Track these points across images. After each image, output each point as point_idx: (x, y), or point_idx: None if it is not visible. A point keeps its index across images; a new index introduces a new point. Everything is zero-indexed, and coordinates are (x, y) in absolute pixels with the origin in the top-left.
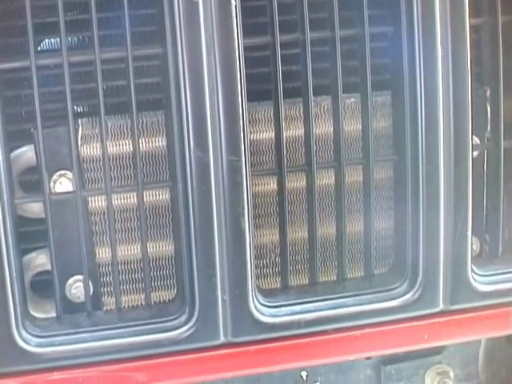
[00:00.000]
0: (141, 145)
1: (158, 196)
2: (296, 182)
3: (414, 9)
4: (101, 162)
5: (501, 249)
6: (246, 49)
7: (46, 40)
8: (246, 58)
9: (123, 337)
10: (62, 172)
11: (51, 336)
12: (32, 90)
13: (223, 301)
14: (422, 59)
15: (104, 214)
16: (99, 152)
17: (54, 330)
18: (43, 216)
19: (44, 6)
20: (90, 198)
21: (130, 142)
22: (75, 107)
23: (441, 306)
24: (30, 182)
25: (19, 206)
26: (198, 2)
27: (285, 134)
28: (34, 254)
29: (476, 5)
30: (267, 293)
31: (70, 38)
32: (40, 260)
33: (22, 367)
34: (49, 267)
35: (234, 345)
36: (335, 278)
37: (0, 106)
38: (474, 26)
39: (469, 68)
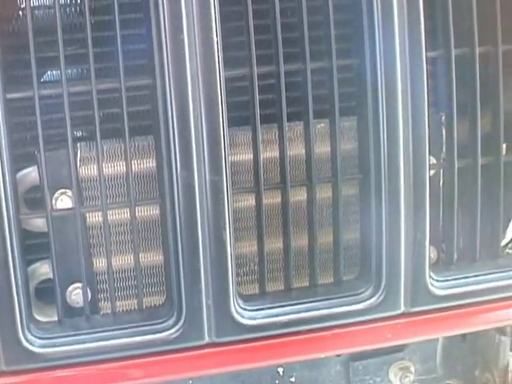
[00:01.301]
0: (133, 166)
1: (149, 212)
2: (272, 199)
3: (376, 43)
4: (97, 182)
5: (456, 256)
6: (226, 80)
7: (48, 72)
8: (227, 88)
9: (118, 338)
10: (63, 190)
11: (53, 338)
12: (35, 117)
13: (207, 305)
14: (383, 88)
15: (100, 228)
16: (96, 172)
17: (55, 332)
18: (46, 230)
19: (46, 42)
20: (87, 214)
21: (124, 164)
22: (74, 132)
23: (402, 309)
24: (34, 199)
25: (24, 221)
26: (183, 39)
27: (262, 155)
28: (37, 264)
29: (432, 39)
30: (247, 298)
31: (69, 71)
32: (43, 269)
33: (27, 366)
34: (51, 276)
35: (218, 344)
36: (308, 284)
37: (7, 131)
38: (430, 58)
39: (426, 96)
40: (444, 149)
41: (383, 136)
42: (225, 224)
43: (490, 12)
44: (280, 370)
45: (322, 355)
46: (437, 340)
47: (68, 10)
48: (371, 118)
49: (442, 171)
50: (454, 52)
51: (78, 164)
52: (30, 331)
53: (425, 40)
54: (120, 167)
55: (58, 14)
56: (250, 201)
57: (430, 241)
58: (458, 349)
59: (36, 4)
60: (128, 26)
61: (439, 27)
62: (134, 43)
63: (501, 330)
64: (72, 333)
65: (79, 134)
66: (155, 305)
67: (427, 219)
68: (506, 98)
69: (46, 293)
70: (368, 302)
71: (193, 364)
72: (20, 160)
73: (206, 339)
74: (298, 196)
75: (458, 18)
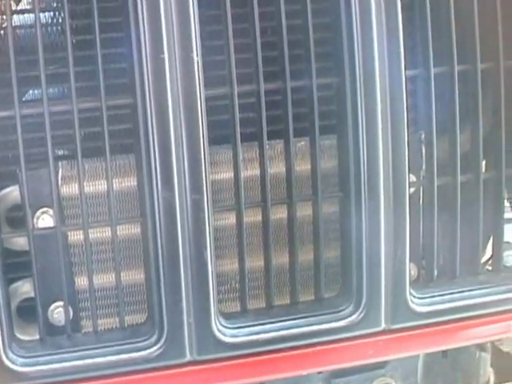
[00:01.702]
0: (114, 184)
1: (130, 230)
2: (253, 217)
3: (355, 62)
4: (79, 200)
5: (436, 273)
6: (207, 99)
7: (30, 91)
8: (207, 107)
9: (100, 356)
10: (44, 209)
11: (35, 356)
12: (17, 136)
13: (189, 323)
14: (363, 106)
15: (82, 246)
16: (77, 191)
17: (37, 350)
18: (27, 249)
19: (28, 61)
20: (69, 233)
21: (105, 182)
22: (56, 151)
23: (383, 326)
24: (16, 218)
25: (6, 240)
26: (163, 58)
27: (242, 174)
28: (19, 283)
29: (412, 58)
30: (228, 316)
31: (51, 90)
32: (25, 288)
33: None
34: (33, 294)
35: (199, 362)
36: (289, 301)
37: None
38: (410, 77)
39: (405, 114)
40: (424, 166)
41: (363, 154)
42: (206, 242)
43: (468, 31)
44: None
45: (304, 372)
46: (418, 356)
47: (49, 29)
48: (351, 136)
49: (421, 189)
50: (433, 71)
51: (60, 183)
52: (11, 350)
53: (404, 59)
54: (101, 186)
55: (39, 34)
56: (231, 219)
57: (410, 258)
58: (439, 365)
59: (17, 23)
60: (109, 45)
61: (418, 46)
62: (115, 62)
63: (481, 347)
64: (54, 351)
65: (61, 152)
66: (137, 323)
67: (407, 236)
68: (484, 115)
69: (27, 311)
70: (349, 319)
71: (174, 382)
72: (1, 179)
73: (188, 357)
74: (279, 214)
75: (437, 36)
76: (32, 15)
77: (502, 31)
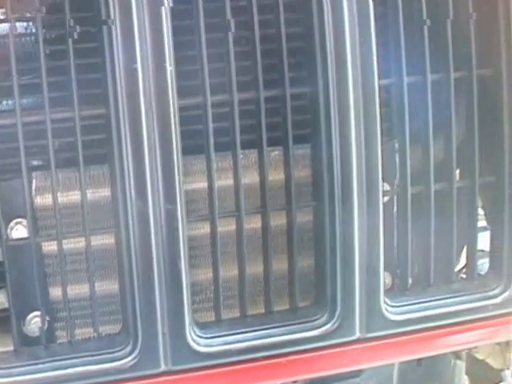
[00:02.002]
0: (88, 195)
1: (104, 240)
2: (227, 226)
3: (328, 71)
4: (53, 211)
5: (410, 282)
6: (180, 109)
7: (3, 101)
8: (181, 117)
9: (75, 366)
10: (18, 220)
11: (10, 368)
12: None
13: (163, 333)
14: (336, 116)
15: (56, 257)
16: (51, 202)
17: (12, 361)
18: (1, 259)
19: (0, 72)
20: (43, 243)
21: (79, 193)
22: (29, 162)
23: (357, 334)
24: None
25: None
26: (136, 68)
27: (216, 183)
28: None
29: (385, 67)
30: (203, 325)
31: (24, 100)
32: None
33: None
34: (7, 305)
35: (174, 372)
36: (263, 310)
37: None
38: (383, 86)
39: (378, 123)
40: (397, 175)
41: (336, 163)
42: (180, 252)
43: (442, 40)
44: None
45: (279, 382)
46: (393, 365)
47: (23, 39)
48: (324, 145)
49: (395, 197)
50: (406, 80)
51: (34, 193)
52: None
53: (377, 68)
54: (75, 196)
55: (11, 44)
56: (206, 228)
57: (384, 267)
58: (414, 373)
59: None
60: (82, 56)
61: (392, 56)
62: (88, 72)
63: (456, 354)
64: (29, 362)
65: (34, 163)
66: (112, 333)
67: (381, 245)
68: (458, 124)
69: (2, 322)
70: (323, 328)
71: None
72: None
73: (163, 367)
74: (253, 223)
75: (411, 46)
76: (5, 25)
77: (475, 40)
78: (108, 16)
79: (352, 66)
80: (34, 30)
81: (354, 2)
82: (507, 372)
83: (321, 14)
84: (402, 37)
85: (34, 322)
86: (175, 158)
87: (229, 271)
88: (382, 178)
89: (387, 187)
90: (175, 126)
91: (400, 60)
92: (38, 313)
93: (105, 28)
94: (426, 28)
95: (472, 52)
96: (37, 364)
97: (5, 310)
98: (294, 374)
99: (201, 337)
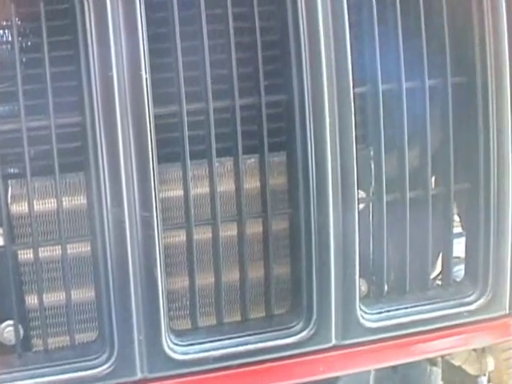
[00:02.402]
0: (64, 203)
1: (80, 248)
2: (203, 234)
3: (304, 79)
4: (29, 219)
5: (386, 289)
6: (156, 117)
7: None
8: (156, 125)
9: (50, 375)
10: None
11: None
12: None
13: (139, 341)
14: (312, 123)
15: (32, 265)
16: (27, 210)
17: None
18: None
19: None
20: (19, 251)
21: (55, 201)
22: (5, 169)
23: (333, 342)
24: None
25: None
26: (112, 76)
27: (192, 191)
28: None
29: (361, 75)
30: (179, 333)
31: (0, 108)
32: None
33: None
34: None
35: (150, 380)
36: (240, 318)
37: None
38: (358, 94)
39: (353, 131)
40: (373, 182)
41: (312, 171)
42: (156, 260)
43: (416, 48)
44: None
45: None
46: (369, 372)
47: None
48: (300, 153)
49: (371, 205)
50: (381, 87)
51: (9, 201)
52: None
53: (352, 76)
54: (51, 204)
55: None
56: (182, 236)
57: (360, 274)
58: (390, 380)
59: None
60: (58, 64)
61: (367, 63)
62: (63, 81)
63: (432, 361)
64: (4, 371)
65: (10, 171)
66: (88, 341)
67: (356, 252)
68: (433, 132)
69: None
70: (299, 336)
71: None
72: None
73: (139, 375)
74: (229, 231)
75: (386, 53)
76: None
77: (449, 48)
78: (84, 24)
79: (327, 74)
80: (9, 39)
81: (329, 11)
82: (483, 378)
83: (296, 22)
84: (376, 45)
85: (8, 331)
86: (151, 165)
87: (205, 279)
88: (358, 186)
89: (362, 194)
90: (151, 134)
91: (375, 68)
92: (13, 321)
93: (80, 35)
94: (400, 36)
95: (447, 60)
96: (12, 372)
97: None
98: (271, 381)
99: (177, 344)
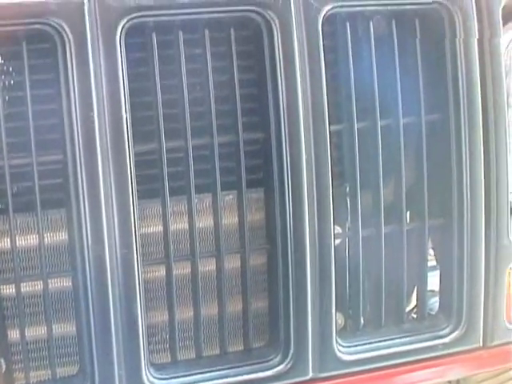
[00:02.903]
0: (46, 239)
1: (62, 283)
2: (183, 269)
3: (280, 118)
4: (10, 254)
5: (362, 322)
6: (136, 154)
7: None
8: (136, 162)
9: None
10: None
11: None
12: None
13: (120, 375)
14: (289, 160)
15: (14, 299)
16: (9, 245)
17: None
18: None
19: None
20: (1, 286)
21: (36, 237)
22: None
23: (310, 374)
24: None
25: None
26: (93, 115)
27: (171, 227)
28: None
29: (337, 113)
30: (159, 366)
31: None
32: None
33: None
34: None
35: None
36: (218, 352)
37: None
38: (334, 132)
39: (329, 168)
40: (349, 218)
41: (289, 207)
42: (135, 295)
43: (391, 87)
44: None
45: None
46: None
47: None
48: (277, 189)
49: (347, 240)
50: (356, 125)
51: None
52: None
53: (328, 114)
54: (33, 240)
55: None
56: (161, 271)
57: (336, 307)
58: None
59: None
60: (40, 102)
61: (342, 102)
62: (45, 119)
63: None
64: None
65: None
66: (69, 375)
67: (333, 287)
68: (407, 168)
69: None
70: (277, 369)
71: None
72: None
73: None
74: (208, 266)
75: (361, 92)
76: None
77: (423, 86)
78: (65, 64)
79: (303, 113)
80: None
81: (306, 52)
82: None
83: (273, 62)
84: (352, 84)
85: None
86: (131, 202)
87: (184, 313)
88: (334, 221)
89: (339, 230)
90: (131, 171)
91: (350, 106)
92: None
93: (62, 75)
94: (375, 76)
95: (420, 97)
96: None
97: None
98: None
99: (157, 378)
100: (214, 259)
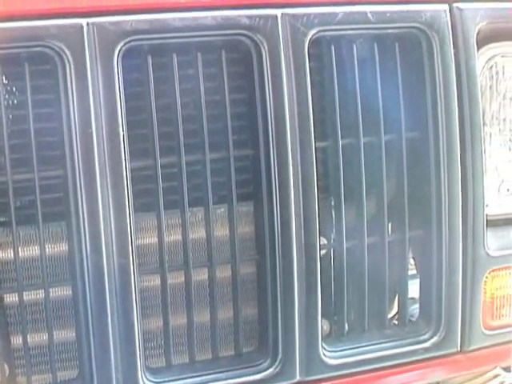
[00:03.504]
0: (47, 250)
1: (62, 292)
2: (177, 279)
3: (269, 135)
4: (13, 265)
5: (347, 328)
6: (133, 170)
7: None
8: (132, 177)
9: None
10: None
11: None
12: None
13: (117, 379)
14: (277, 175)
15: (17, 307)
16: (12, 256)
17: None
18: None
19: None
20: (5, 295)
21: (38, 248)
22: None
23: (298, 378)
24: None
25: None
26: (91, 132)
27: (166, 239)
28: None
29: (323, 131)
30: (154, 370)
31: None
32: None
33: None
34: None
35: None
36: (210, 356)
37: None
38: (320, 148)
39: (315, 182)
40: (334, 230)
41: (277, 219)
42: (132, 303)
43: (373, 105)
44: None
45: None
46: None
47: None
48: (266, 203)
49: (332, 250)
50: (341, 142)
51: None
52: None
53: (314, 131)
54: (35, 251)
55: None
56: (156, 281)
57: (322, 314)
58: None
59: None
60: (41, 120)
61: (327, 120)
62: (46, 136)
63: None
64: None
65: None
66: (69, 379)
67: (319, 295)
68: (389, 182)
69: None
70: (266, 373)
71: None
72: None
73: None
74: (200, 275)
75: (345, 110)
76: None
77: (404, 105)
78: (65, 84)
79: (290, 130)
80: None
81: (293, 74)
82: None
83: (262, 83)
84: (336, 103)
85: None
86: (127, 215)
87: (178, 320)
88: (319, 233)
89: (324, 241)
90: (127, 186)
91: (335, 124)
92: None
93: (62, 94)
94: (358, 96)
95: (401, 117)
96: None
97: None
98: None
99: (152, 381)
100: (207, 269)
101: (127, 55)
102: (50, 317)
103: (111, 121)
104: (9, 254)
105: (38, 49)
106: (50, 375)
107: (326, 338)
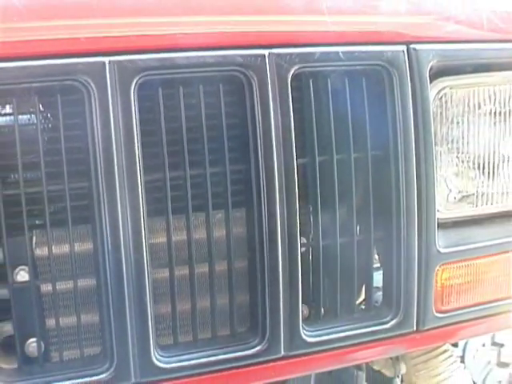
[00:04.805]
0: (75, 248)
1: (88, 282)
2: (182, 271)
3: (258, 153)
4: (48, 260)
5: (322, 312)
6: (146, 181)
7: (12, 175)
8: (146, 188)
9: (63, 380)
10: (22, 267)
11: (13, 381)
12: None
13: (133, 354)
14: (265, 186)
15: (51, 295)
16: (47, 253)
17: (15, 376)
18: (9, 297)
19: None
20: (41, 285)
21: (68, 246)
22: (32, 221)
23: (282, 353)
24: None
25: None
26: (112, 150)
27: (173, 238)
28: (2, 324)
29: (303, 149)
30: (164, 347)
31: (28, 174)
32: (6, 328)
33: None
34: (13, 333)
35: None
36: (210, 335)
37: None
38: (301, 164)
39: (296, 192)
40: (312, 231)
41: (265, 223)
42: (146, 291)
43: (344, 128)
44: None
45: None
46: (310, 375)
47: (26, 128)
48: (256, 209)
49: (310, 248)
50: (317, 159)
51: (34, 246)
52: None
53: (296, 150)
54: (66, 249)
55: (17, 132)
56: (166, 273)
57: (302, 301)
58: (326, 381)
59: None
60: (70, 141)
61: (308, 140)
62: (74, 154)
63: (358, 366)
64: (28, 377)
65: (35, 223)
66: (93, 354)
67: (299, 285)
68: (357, 192)
69: (9, 346)
70: (256, 349)
71: None
72: None
73: (133, 380)
74: (202, 269)
75: (321, 131)
76: (12, 117)
77: (370, 129)
78: (90, 111)
79: (276, 150)
80: (34, 121)
81: (278, 104)
82: (397, 380)
83: (252, 110)
84: (314, 127)
85: (33, 346)
86: (142, 219)
87: (184, 305)
88: (300, 234)
89: (304, 240)
90: (142, 195)
91: (313, 144)
92: (35, 339)
93: (87, 120)
94: (332, 121)
95: (368, 137)
96: (33, 379)
97: (11, 336)
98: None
99: (162, 356)
100: (207, 263)
101: (142, 87)
102: (78, 303)
103: (128, 141)
104: (44, 250)
105: (68, 82)
106: (78, 351)
107: (306, 320)
